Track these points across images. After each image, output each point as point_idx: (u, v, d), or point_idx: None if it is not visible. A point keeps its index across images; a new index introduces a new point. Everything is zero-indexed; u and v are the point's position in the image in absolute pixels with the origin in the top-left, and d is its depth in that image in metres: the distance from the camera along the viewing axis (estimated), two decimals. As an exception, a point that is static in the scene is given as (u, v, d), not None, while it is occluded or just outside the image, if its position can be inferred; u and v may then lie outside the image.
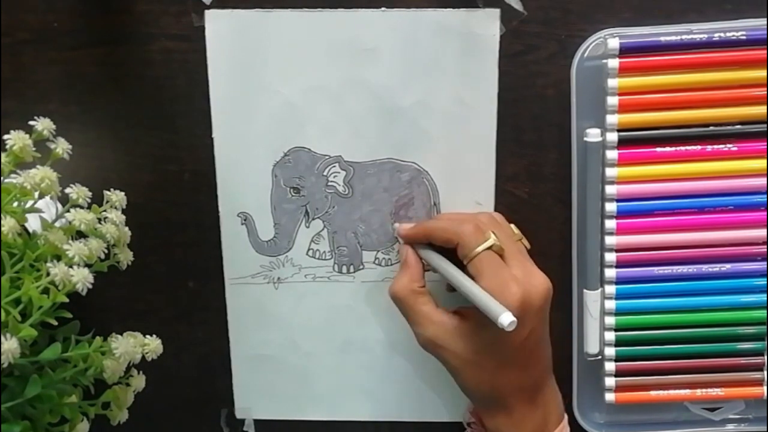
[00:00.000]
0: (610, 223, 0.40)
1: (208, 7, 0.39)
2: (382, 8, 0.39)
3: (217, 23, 0.39)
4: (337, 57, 0.40)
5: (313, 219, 0.42)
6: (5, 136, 0.33)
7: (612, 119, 0.39)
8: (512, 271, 0.36)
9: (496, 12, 0.39)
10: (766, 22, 0.37)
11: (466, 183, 0.41)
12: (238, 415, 0.45)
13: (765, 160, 0.39)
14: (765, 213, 0.39)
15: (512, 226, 0.40)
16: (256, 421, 0.45)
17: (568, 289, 0.42)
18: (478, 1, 0.39)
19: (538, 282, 0.36)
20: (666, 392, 0.42)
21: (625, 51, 0.38)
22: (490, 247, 0.36)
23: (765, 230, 0.40)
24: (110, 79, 0.41)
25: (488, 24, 0.39)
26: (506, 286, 0.35)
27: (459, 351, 0.36)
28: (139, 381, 0.37)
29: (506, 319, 0.33)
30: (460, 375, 0.37)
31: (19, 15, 0.40)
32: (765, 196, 0.39)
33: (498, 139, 0.41)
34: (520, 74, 0.40)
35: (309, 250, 0.43)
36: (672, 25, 0.38)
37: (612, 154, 0.39)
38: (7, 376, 0.32)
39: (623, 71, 0.38)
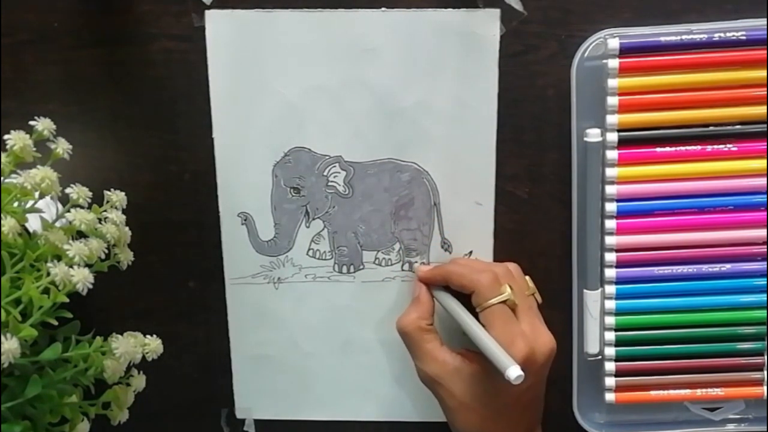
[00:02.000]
0: (610, 223, 0.40)
1: (209, 8, 0.39)
2: (382, 8, 0.39)
3: (217, 23, 0.39)
4: (337, 57, 0.40)
5: (314, 219, 0.42)
6: (5, 136, 0.33)
7: (612, 119, 0.39)
8: (521, 326, 0.37)
9: (496, 12, 0.39)
10: (766, 22, 0.37)
11: (466, 183, 0.41)
12: (239, 415, 0.45)
13: (765, 160, 0.39)
14: (765, 213, 0.39)
15: (527, 278, 0.40)
16: (257, 421, 0.45)
17: (568, 289, 0.42)
18: (478, 1, 0.39)
19: (544, 341, 0.37)
20: (666, 392, 0.42)
21: (625, 51, 0.38)
22: (504, 301, 0.37)
23: (765, 230, 0.40)
24: (110, 79, 0.41)
25: (488, 24, 0.39)
26: (514, 341, 0.36)
27: (456, 392, 0.37)
28: (139, 381, 0.37)
29: (514, 372, 0.33)
30: (452, 415, 0.38)
31: (20, 15, 0.40)
32: (765, 196, 0.39)
33: (498, 139, 0.41)
34: (520, 74, 0.40)
35: (309, 250, 0.43)
36: (672, 25, 0.38)
37: (612, 154, 0.39)
38: (8, 376, 0.32)
39: (623, 71, 0.38)
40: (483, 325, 0.37)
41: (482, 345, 0.36)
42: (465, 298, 0.38)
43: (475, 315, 0.38)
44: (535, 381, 0.37)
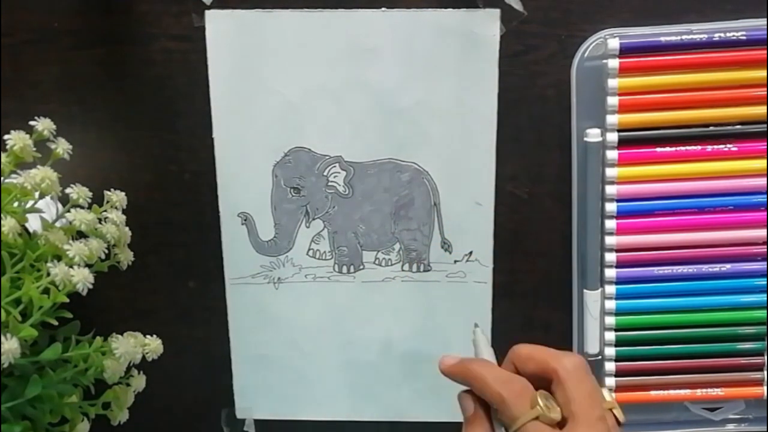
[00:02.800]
0: (610, 223, 0.40)
1: (209, 8, 0.39)
2: (382, 8, 0.39)
3: (217, 23, 0.39)
4: (337, 57, 0.40)
5: (314, 219, 0.42)
6: (6, 136, 0.33)
7: (612, 119, 0.39)
8: None
9: (496, 12, 0.39)
10: (766, 22, 0.37)
11: (466, 183, 0.41)
12: (239, 415, 0.45)
13: (765, 160, 0.39)
14: (765, 213, 0.39)
15: (605, 390, 0.31)
16: (257, 421, 0.45)
17: (568, 289, 0.42)
18: (478, 2, 0.39)
19: None
20: (666, 392, 0.42)
21: (625, 51, 0.38)
22: (536, 417, 0.28)
23: (765, 230, 0.40)
24: (110, 79, 0.41)
25: (488, 24, 0.39)
26: None
27: None
28: (139, 381, 0.37)
29: None
30: None
31: (20, 15, 0.40)
32: (765, 196, 0.39)
33: (498, 139, 0.41)
34: (520, 74, 0.40)
35: (309, 250, 0.43)
36: (672, 26, 0.38)
37: (612, 154, 0.39)
38: (8, 376, 0.32)
39: (623, 71, 0.38)
40: None
41: None
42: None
43: None
44: None
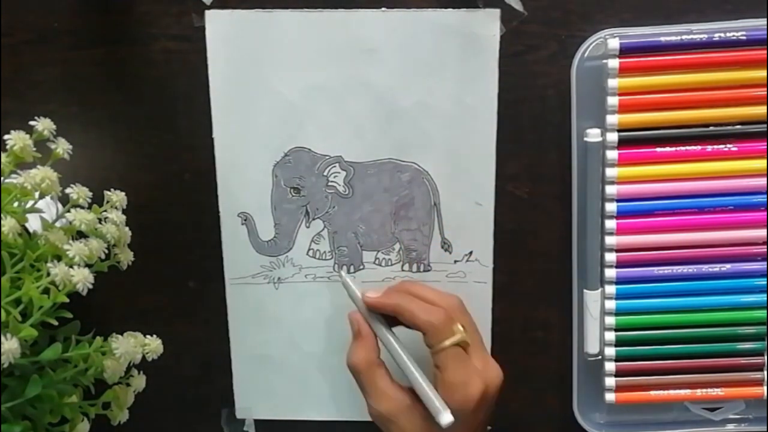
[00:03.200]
0: (610, 223, 0.40)
1: (209, 8, 0.39)
2: (382, 8, 0.39)
3: (217, 23, 0.39)
4: (337, 57, 0.40)
5: (314, 219, 0.42)
6: (5, 136, 0.33)
7: (612, 119, 0.39)
8: (473, 363, 0.37)
9: (496, 12, 0.39)
10: (766, 22, 0.37)
11: (466, 183, 0.41)
12: (239, 415, 0.45)
13: (765, 160, 0.39)
14: (765, 213, 0.39)
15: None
16: (257, 421, 0.45)
17: (568, 289, 0.42)
18: (478, 2, 0.39)
19: (495, 374, 0.38)
20: (666, 392, 0.42)
21: (625, 51, 0.38)
22: (457, 343, 0.37)
23: (765, 230, 0.40)
24: (110, 79, 0.41)
25: (488, 24, 0.39)
26: (470, 382, 0.36)
27: (408, 428, 0.37)
28: (139, 381, 0.37)
29: (445, 419, 0.35)
30: None
31: (19, 15, 0.40)
32: (765, 196, 0.39)
33: (498, 139, 0.41)
34: (521, 74, 0.40)
35: (309, 250, 0.43)
36: (672, 26, 0.38)
37: (612, 154, 0.39)
38: (8, 376, 0.32)
39: (623, 71, 0.38)
40: (437, 366, 0.37)
41: (417, 388, 0.36)
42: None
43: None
44: (487, 412, 0.38)
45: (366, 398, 0.39)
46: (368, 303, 0.39)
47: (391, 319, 0.39)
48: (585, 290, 0.41)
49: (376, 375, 0.38)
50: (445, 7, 0.39)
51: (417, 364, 0.38)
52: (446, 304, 0.38)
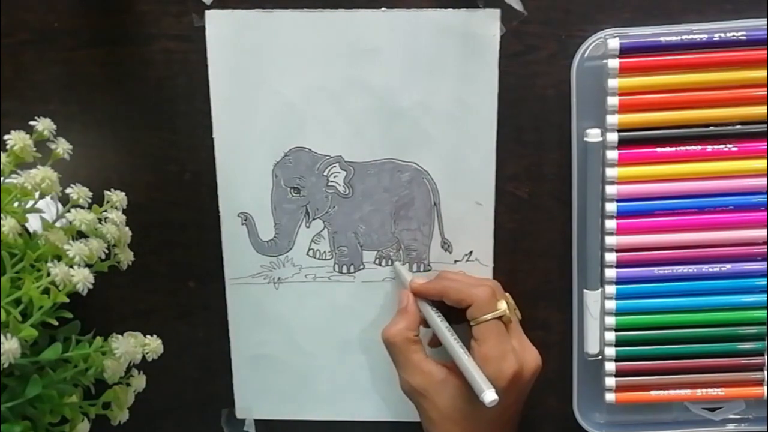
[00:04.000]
0: (610, 223, 0.40)
1: (209, 8, 0.39)
2: (382, 8, 0.39)
3: (217, 23, 0.39)
4: (337, 57, 0.40)
5: (314, 219, 0.42)
6: (6, 137, 0.33)
7: (612, 119, 0.39)
8: (512, 342, 0.38)
9: (496, 12, 0.39)
10: (766, 22, 0.37)
11: (466, 183, 0.41)
12: (239, 415, 0.45)
13: (765, 160, 0.39)
14: (765, 213, 0.39)
15: (507, 295, 0.40)
16: (257, 421, 0.45)
17: (568, 289, 0.42)
18: (479, 2, 0.39)
19: (532, 357, 0.38)
20: (666, 392, 0.42)
21: (625, 51, 0.38)
22: (500, 317, 0.37)
23: (765, 230, 0.40)
24: (111, 79, 0.41)
25: (488, 24, 0.39)
26: (505, 358, 0.37)
27: (441, 405, 0.38)
28: (139, 381, 0.37)
29: (489, 396, 0.35)
30: (434, 427, 0.38)
31: (20, 15, 0.40)
32: (765, 196, 0.39)
33: (498, 139, 0.41)
34: (521, 74, 0.40)
35: (309, 250, 0.43)
36: (672, 25, 0.38)
37: (612, 154, 0.39)
38: (8, 376, 0.32)
39: (623, 71, 0.38)
40: (476, 338, 0.37)
41: (461, 365, 0.36)
42: (454, 312, 0.38)
43: (457, 327, 0.38)
44: (519, 397, 0.38)
45: (399, 371, 0.39)
46: (414, 288, 0.40)
47: (440, 306, 0.39)
48: (585, 290, 0.41)
49: (410, 349, 0.38)
50: (445, 7, 0.39)
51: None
52: (490, 283, 0.39)
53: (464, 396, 0.37)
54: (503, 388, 0.36)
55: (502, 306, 0.38)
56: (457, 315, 0.39)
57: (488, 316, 0.37)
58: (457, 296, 0.38)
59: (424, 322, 0.40)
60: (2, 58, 0.40)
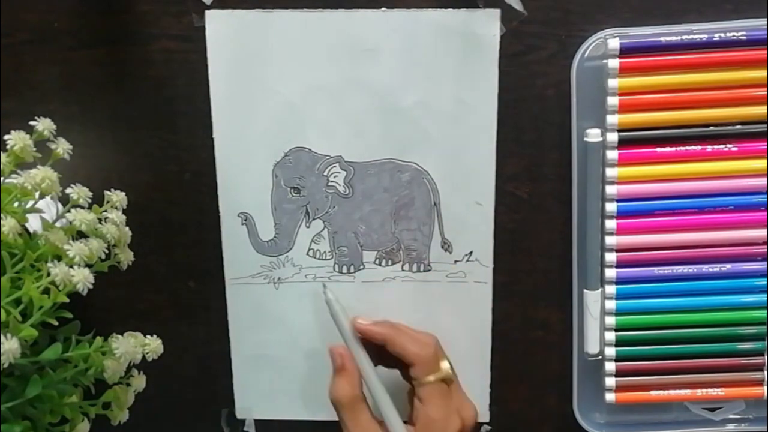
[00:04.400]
0: (611, 223, 0.40)
1: (209, 8, 0.39)
2: (382, 8, 0.39)
3: (217, 23, 0.39)
4: (337, 57, 0.40)
5: (314, 219, 0.42)
6: (6, 137, 0.33)
7: (612, 119, 0.39)
8: (453, 401, 0.39)
9: (496, 12, 0.39)
10: (766, 22, 0.37)
11: (466, 183, 0.41)
12: (239, 415, 0.45)
13: (765, 160, 0.39)
14: (765, 213, 0.39)
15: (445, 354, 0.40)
16: (257, 421, 0.45)
17: (568, 289, 0.42)
18: (479, 2, 0.39)
19: (472, 414, 0.40)
20: (666, 392, 0.42)
21: (625, 51, 0.38)
22: (443, 379, 0.38)
23: (765, 230, 0.40)
24: (111, 79, 0.41)
25: (488, 24, 0.39)
26: (449, 419, 0.38)
27: None
28: (139, 381, 0.37)
29: None
30: None
31: (19, 15, 0.40)
32: (765, 196, 0.39)
33: (498, 139, 0.41)
34: (521, 74, 0.40)
35: (309, 250, 0.43)
36: (672, 26, 0.38)
37: (612, 154, 0.39)
38: (8, 376, 0.32)
39: (624, 71, 0.38)
40: (420, 398, 0.38)
41: (390, 427, 0.38)
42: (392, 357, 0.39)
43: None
44: None
45: (344, 429, 0.39)
46: (359, 329, 0.39)
47: (373, 354, 0.39)
48: (585, 290, 0.41)
49: (357, 410, 0.38)
50: (445, 7, 0.39)
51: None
52: (431, 340, 0.39)
53: None
54: None
55: (445, 366, 0.38)
56: (396, 360, 0.39)
57: (431, 378, 0.38)
58: (401, 350, 0.38)
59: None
60: (2, 58, 0.40)
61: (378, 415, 0.39)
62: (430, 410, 0.37)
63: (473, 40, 0.39)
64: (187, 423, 0.46)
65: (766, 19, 0.38)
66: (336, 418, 0.45)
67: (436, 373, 0.38)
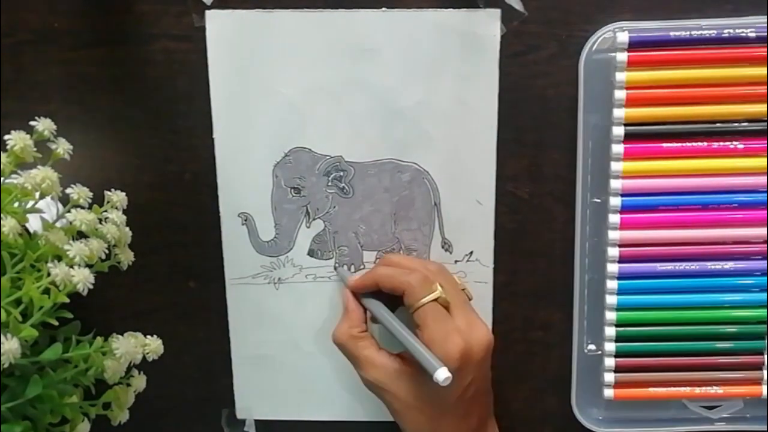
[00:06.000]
0: (614, 218, 0.40)
1: (209, 8, 0.39)
2: (383, 8, 0.39)
3: (217, 23, 0.39)
4: (337, 57, 0.40)
5: (314, 219, 0.42)
6: (6, 137, 0.33)
7: (619, 113, 0.39)
8: (456, 322, 0.37)
9: (496, 12, 0.39)
10: (766, 21, 0.37)
11: (466, 183, 0.41)
12: (239, 415, 0.45)
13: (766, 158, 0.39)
14: (767, 211, 0.39)
15: (456, 276, 0.40)
16: (257, 421, 0.45)
17: (569, 289, 0.42)
18: (479, 2, 0.39)
19: (481, 334, 0.37)
20: (665, 389, 0.42)
21: (633, 45, 0.38)
22: (436, 299, 0.37)
23: (766, 229, 0.40)
24: (111, 79, 0.41)
25: (489, 24, 0.39)
26: (449, 338, 0.36)
27: (400, 395, 0.37)
28: (139, 381, 0.37)
29: (442, 374, 0.34)
30: (401, 418, 0.38)
31: (20, 15, 0.40)
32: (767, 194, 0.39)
33: (498, 139, 0.41)
34: (521, 74, 0.40)
35: (309, 250, 0.43)
36: (681, 20, 0.38)
37: (618, 149, 0.39)
38: (8, 376, 0.32)
39: (631, 65, 0.38)
40: (417, 325, 0.37)
41: (410, 348, 0.36)
42: (400, 300, 0.38)
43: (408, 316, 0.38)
44: (476, 375, 0.37)
45: (356, 370, 0.39)
46: (350, 285, 0.40)
47: (385, 299, 0.39)
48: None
49: (358, 346, 0.39)
50: (446, 7, 0.39)
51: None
52: (425, 268, 0.39)
53: (421, 383, 0.37)
54: (454, 368, 0.35)
55: (437, 288, 0.37)
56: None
57: (424, 300, 0.36)
58: (390, 285, 0.38)
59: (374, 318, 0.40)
60: (2, 58, 0.40)
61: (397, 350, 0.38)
62: (426, 333, 0.36)
63: (473, 40, 0.39)
64: (187, 423, 0.46)
65: (766, 18, 0.38)
66: (336, 418, 0.45)
67: (427, 296, 0.37)
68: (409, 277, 0.37)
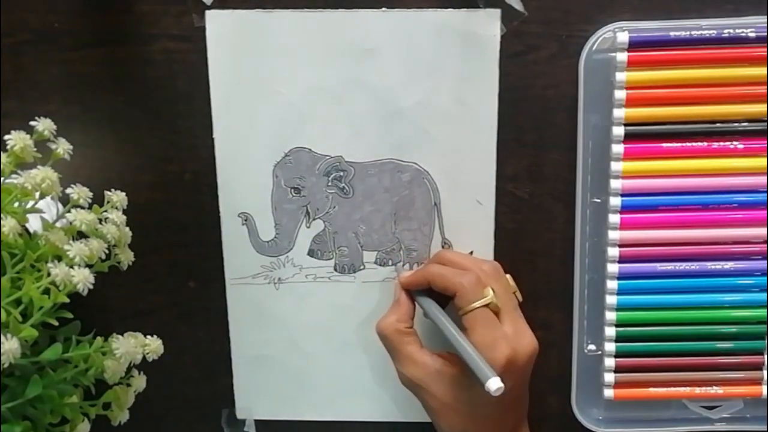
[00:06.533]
0: (614, 218, 0.40)
1: (209, 8, 0.39)
2: (383, 8, 0.39)
3: (217, 23, 0.39)
4: (337, 57, 0.40)
5: (314, 219, 0.42)
6: (6, 137, 0.33)
7: (619, 113, 0.39)
8: (504, 328, 0.37)
9: (496, 12, 0.39)
10: (766, 21, 0.37)
11: (466, 183, 0.41)
12: (239, 415, 0.45)
13: (766, 158, 0.39)
14: (766, 211, 0.39)
15: (508, 276, 0.40)
16: (257, 421, 0.45)
17: (569, 289, 0.42)
18: (479, 2, 0.39)
19: (527, 342, 0.37)
20: (665, 389, 0.42)
21: (634, 45, 0.38)
22: (487, 305, 0.37)
23: (766, 229, 0.40)
24: (111, 79, 0.41)
25: (489, 24, 0.39)
26: (496, 345, 0.36)
27: (438, 394, 0.37)
28: (139, 381, 0.37)
29: (494, 384, 0.34)
30: (436, 416, 0.38)
31: (20, 15, 0.40)
32: (766, 194, 0.39)
33: (498, 139, 0.41)
34: (521, 74, 0.40)
35: (309, 250, 0.43)
36: (681, 20, 0.38)
37: (618, 148, 0.39)
38: (8, 376, 0.32)
39: (631, 65, 0.38)
40: (465, 328, 0.37)
41: (463, 354, 0.36)
42: (449, 297, 0.38)
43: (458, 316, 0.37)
44: (517, 382, 0.37)
45: (394, 363, 0.39)
46: (402, 280, 0.40)
47: (436, 295, 0.39)
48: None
49: (402, 341, 0.38)
50: (446, 7, 0.39)
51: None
52: (479, 269, 0.38)
53: (462, 384, 0.37)
54: (498, 375, 0.35)
55: (488, 293, 0.37)
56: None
57: (475, 305, 0.36)
58: (442, 285, 0.38)
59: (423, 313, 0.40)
60: (2, 58, 0.40)
61: (446, 349, 0.38)
62: (474, 337, 0.36)
63: (473, 40, 0.39)
64: (187, 423, 0.46)
65: (766, 17, 0.38)
66: (336, 418, 0.45)
67: (478, 301, 0.36)
68: (462, 278, 0.37)
